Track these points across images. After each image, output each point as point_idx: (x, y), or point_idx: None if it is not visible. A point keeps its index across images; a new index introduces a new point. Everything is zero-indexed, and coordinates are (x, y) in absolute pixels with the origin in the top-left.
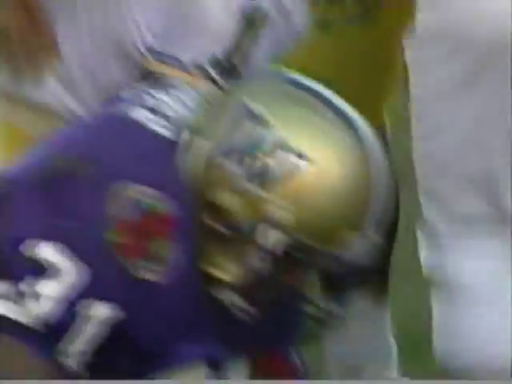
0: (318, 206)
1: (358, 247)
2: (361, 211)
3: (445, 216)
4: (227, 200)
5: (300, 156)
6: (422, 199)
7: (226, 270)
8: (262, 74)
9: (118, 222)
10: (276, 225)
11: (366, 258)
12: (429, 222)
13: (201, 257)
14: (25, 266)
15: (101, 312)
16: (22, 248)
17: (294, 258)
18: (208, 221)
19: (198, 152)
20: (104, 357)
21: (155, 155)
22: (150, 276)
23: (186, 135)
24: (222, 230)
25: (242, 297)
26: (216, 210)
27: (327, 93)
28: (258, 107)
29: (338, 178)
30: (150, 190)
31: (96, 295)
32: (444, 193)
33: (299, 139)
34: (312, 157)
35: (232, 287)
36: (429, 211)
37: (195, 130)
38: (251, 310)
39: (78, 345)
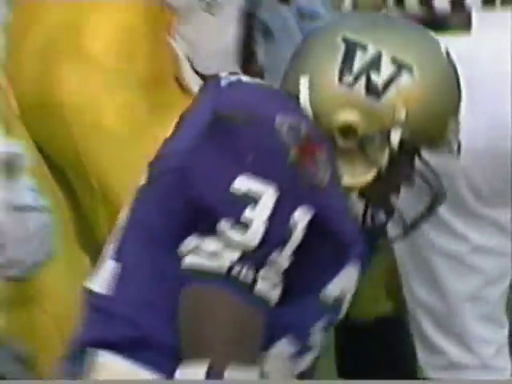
0: (428, 101)
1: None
2: (456, 98)
3: (437, 363)
4: (350, 116)
5: (409, 68)
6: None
7: (352, 178)
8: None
9: (291, 147)
10: (398, 128)
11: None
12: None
13: None
14: (230, 205)
15: (303, 218)
16: (222, 190)
17: (411, 152)
18: (337, 139)
19: (316, 87)
20: (306, 255)
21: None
22: (321, 180)
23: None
24: (349, 145)
25: (367, 199)
26: (341, 129)
27: None
28: (359, 35)
29: (440, 76)
30: (296, 121)
31: (293, 206)
32: (434, 341)
33: (400, 51)
34: (415, 63)
35: (359, 193)
36: (423, 358)
37: (306, 70)
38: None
39: (286, 256)
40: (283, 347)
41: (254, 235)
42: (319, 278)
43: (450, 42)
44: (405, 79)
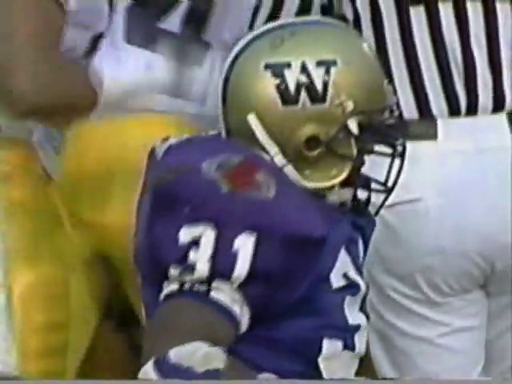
0: (363, 80)
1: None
2: (379, 66)
3: None
4: (309, 130)
5: (334, 63)
6: None
7: (333, 179)
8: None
9: (222, 180)
10: (352, 116)
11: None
12: None
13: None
14: (176, 253)
15: (245, 242)
16: (171, 247)
17: (369, 127)
18: (306, 153)
19: (266, 120)
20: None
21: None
22: (265, 196)
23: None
24: (318, 153)
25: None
26: (305, 144)
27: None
28: (277, 56)
29: (365, 60)
30: (225, 158)
31: (233, 235)
32: None
33: (318, 52)
34: (335, 55)
35: (343, 184)
36: None
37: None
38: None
39: (238, 277)
40: (330, 348)
41: (201, 273)
42: (319, 276)
43: (416, 147)
44: (335, 73)
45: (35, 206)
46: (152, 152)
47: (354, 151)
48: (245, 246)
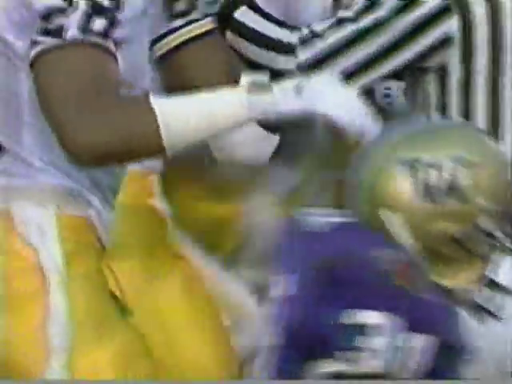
0: (497, 179)
1: None
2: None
3: None
4: (443, 226)
5: (468, 161)
6: None
7: (463, 273)
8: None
9: (391, 273)
10: (487, 215)
11: None
12: None
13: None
14: (342, 338)
15: (419, 341)
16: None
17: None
18: (438, 249)
19: (411, 220)
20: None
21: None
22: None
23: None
24: (451, 248)
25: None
26: (439, 238)
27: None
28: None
29: (498, 163)
30: (389, 250)
31: (406, 326)
32: None
33: (459, 150)
34: (475, 160)
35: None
36: None
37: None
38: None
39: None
40: None
41: (372, 367)
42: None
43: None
44: (471, 172)
45: (99, 278)
46: (293, 222)
47: (486, 249)
48: (412, 343)
